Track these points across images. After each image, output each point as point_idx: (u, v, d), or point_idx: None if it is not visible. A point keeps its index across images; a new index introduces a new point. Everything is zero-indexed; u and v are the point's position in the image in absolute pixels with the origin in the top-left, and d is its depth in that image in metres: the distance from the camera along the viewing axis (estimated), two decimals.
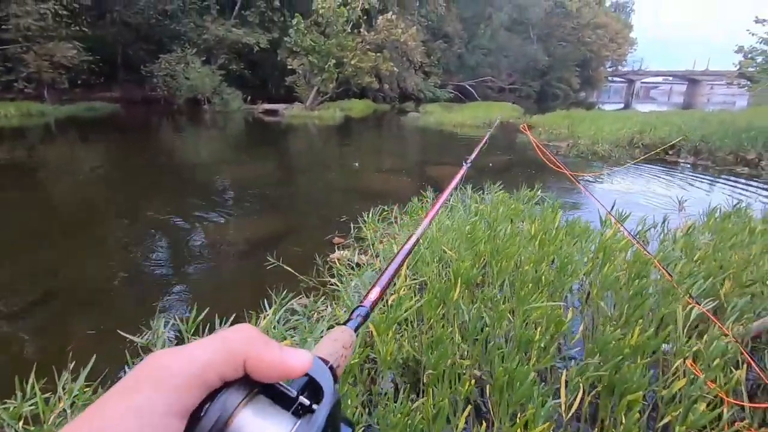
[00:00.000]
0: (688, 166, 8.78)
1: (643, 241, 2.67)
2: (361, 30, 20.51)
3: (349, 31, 19.94)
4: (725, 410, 1.30)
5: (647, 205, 5.13)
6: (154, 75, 18.32)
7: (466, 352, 1.59)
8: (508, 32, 33.59)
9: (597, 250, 2.18)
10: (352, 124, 17.20)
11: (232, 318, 2.05)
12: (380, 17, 21.03)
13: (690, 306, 1.76)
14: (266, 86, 22.85)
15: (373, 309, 0.52)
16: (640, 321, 1.53)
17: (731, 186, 6.92)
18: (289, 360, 0.25)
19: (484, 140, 1.90)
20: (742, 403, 1.38)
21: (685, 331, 1.70)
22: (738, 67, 13.81)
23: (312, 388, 0.27)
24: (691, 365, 1.35)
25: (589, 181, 7.05)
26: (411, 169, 8.25)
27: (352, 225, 3.20)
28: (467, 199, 3.40)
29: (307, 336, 1.53)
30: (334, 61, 19.41)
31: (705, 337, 1.56)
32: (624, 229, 2.08)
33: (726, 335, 1.61)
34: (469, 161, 1.47)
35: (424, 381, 1.39)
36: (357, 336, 0.43)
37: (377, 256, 2.81)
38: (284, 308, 1.95)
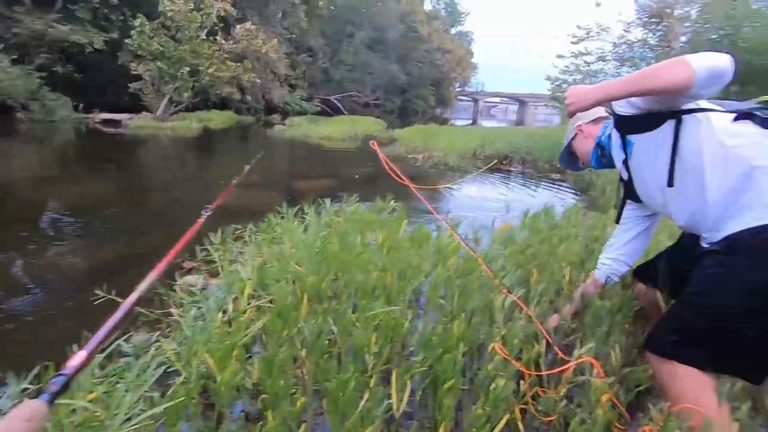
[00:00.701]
0: (519, 174, 10.38)
1: (475, 242, 3.05)
2: (218, 38, 19.38)
3: (204, 37, 18.68)
4: (524, 381, 1.55)
5: (485, 209, 5.89)
6: None
7: (308, 368, 1.59)
8: (370, 50, 35.49)
9: (435, 253, 2.42)
10: (212, 136, 16.07)
11: (34, 371, 1.70)
12: (239, 26, 20.19)
13: (504, 296, 2.06)
14: (105, 93, 19.88)
15: (77, 374, 0.49)
16: (463, 315, 1.74)
17: (548, 189, 8.39)
18: None
19: (229, 188, 1.98)
20: (538, 373, 1.66)
21: (503, 318, 1.98)
22: (550, 92, 16.94)
23: None
24: (498, 348, 1.58)
25: (450, 188, 7.82)
26: (276, 182, 8.04)
27: (197, 247, 2.96)
28: (324, 212, 3.45)
29: (132, 382, 1.34)
30: (188, 68, 17.92)
31: (512, 321, 1.83)
32: (455, 233, 2.36)
33: (529, 317, 1.92)
34: (209, 209, 1.68)
35: (260, 405, 1.35)
36: (53, 404, 0.40)
37: (227, 278, 2.65)
38: (106, 351, 1.69)
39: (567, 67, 12.53)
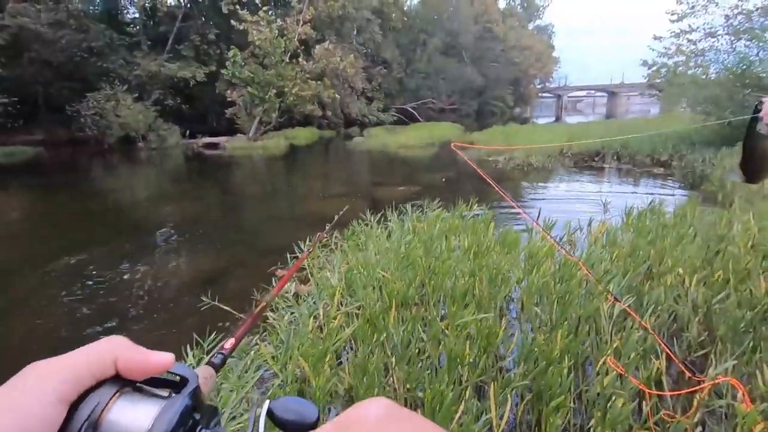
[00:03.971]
0: (613, 170, 9.48)
1: (570, 245, 2.80)
2: (300, 59, 20.67)
3: (288, 61, 20.03)
4: (646, 402, 1.35)
5: (578, 209, 5.43)
6: (82, 114, 17.29)
7: (400, 375, 1.55)
8: (444, 56, 35.24)
9: (526, 258, 2.25)
10: (297, 152, 17.10)
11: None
12: (318, 47, 21.34)
13: (611, 303, 1.84)
14: (206, 119, 22.26)
15: (229, 355, 0.60)
16: (565, 324, 1.58)
17: (651, 185, 7.52)
18: (153, 357, 0.29)
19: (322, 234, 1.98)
20: (661, 393, 1.44)
21: (611, 328, 1.77)
22: (647, 79, 15.31)
23: (177, 385, 0.30)
24: (612, 362, 1.40)
25: (529, 191, 7.41)
26: (357, 192, 8.27)
27: (288, 256, 3.11)
28: (407, 219, 3.43)
29: (235, 386, 1.41)
30: (274, 90, 19.35)
31: (626, 332, 1.62)
32: (549, 236, 2.17)
33: (645, 328, 1.69)
34: (311, 249, 1.71)
35: None
36: (218, 376, 0.51)
37: (317, 285, 2.73)
38: (212, 354, 1.82)
39: (666, 48, 11.20)
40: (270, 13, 20.82)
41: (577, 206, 5.90)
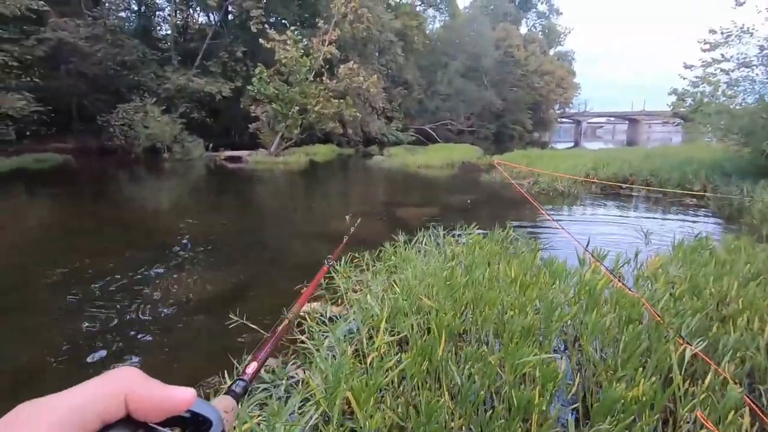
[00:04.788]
0: (641, 198, 9.23)
1: (619, 277, 2.63)
2: (324, 78, 21.05)
3: (312, 79, 20.42)
4: None
5: (613, 239, 5.24)
6: (111, 124, 17.82)
7: (458, 417, 1.41)
8: (464, 78, 35.52)
9: (578, 291, 2.11)
10: (317, 168, 17.21)
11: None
12: (342, 66, 21.72)
13: (682, 347, 1.68)
14: (229, 133, 22.73)
15: (252, 381, 0.54)
16: (640, 370, 1.43)
17: (684, 216, 7.26)
18: (172, 395, 0.25)
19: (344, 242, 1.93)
20: None
21: (683, 374, 1.61)
22: (671, 107, 15.09)
23: (197, 426, 0.27)
24: (702, 418, 1.24)
25: (554, 216, 7.23)
26: (380, 211, 8.19)
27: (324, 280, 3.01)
28: (441, 242, 3.31)
29: (276, 420, 1.30)
30: (297, 107, 19.69)
31: (707, 382, 1.46)
32: (605, 268, 2.04)
33: (725, 378, 1.53)
34: (332, 259, 1.66)
35: None
36: (239, 405, 0.46)
37: (351, 306, 2.62)
38: (233, 381, 1.71)
39: (698, 77, 11.01)
40: (297, 32, 21.36)
41: (609, 234, 5.69)
